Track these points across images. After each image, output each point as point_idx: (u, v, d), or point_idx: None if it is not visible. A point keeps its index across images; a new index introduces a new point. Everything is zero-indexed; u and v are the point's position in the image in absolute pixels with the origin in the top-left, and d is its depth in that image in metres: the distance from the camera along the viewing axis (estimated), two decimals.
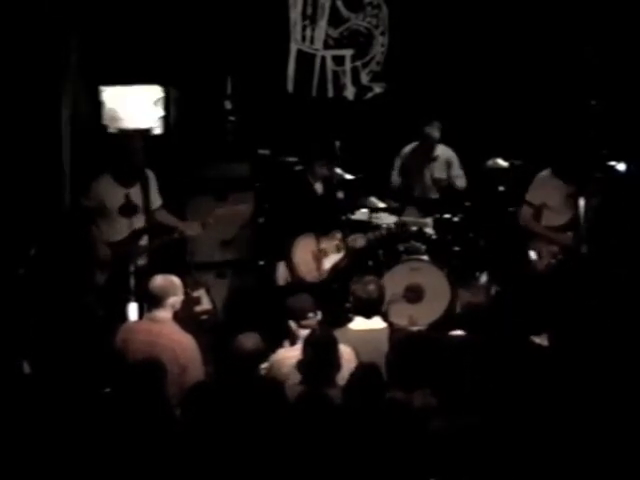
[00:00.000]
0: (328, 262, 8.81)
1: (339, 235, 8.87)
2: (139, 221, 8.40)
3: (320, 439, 5.50)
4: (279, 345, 7.20)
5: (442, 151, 9.98)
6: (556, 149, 8.99)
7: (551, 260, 8.57)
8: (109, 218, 8.39)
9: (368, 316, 7.08)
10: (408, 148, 10.07)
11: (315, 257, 8.80)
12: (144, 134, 8.80)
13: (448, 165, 9.96)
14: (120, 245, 8.35)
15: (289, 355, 6.66)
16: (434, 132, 9.80)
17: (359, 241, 8.91)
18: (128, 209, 8.31)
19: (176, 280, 7.00)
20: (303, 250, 8.81)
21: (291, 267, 8.80)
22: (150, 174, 8.53)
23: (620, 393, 5.89)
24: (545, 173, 8.71)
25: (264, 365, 6.64)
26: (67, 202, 9.06)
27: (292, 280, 8.81)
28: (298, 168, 9.49)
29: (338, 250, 8.88)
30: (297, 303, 7.14)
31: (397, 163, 10.06)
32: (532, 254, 8.67)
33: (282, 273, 8.84)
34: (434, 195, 9.99)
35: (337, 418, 5.66)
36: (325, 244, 8.84)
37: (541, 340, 6.63)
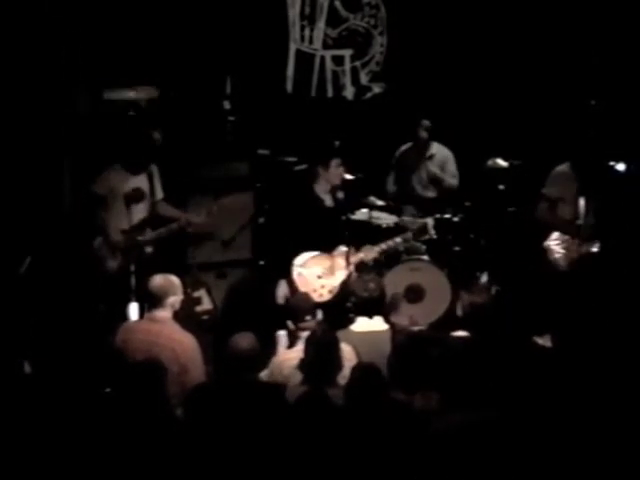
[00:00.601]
0: (336, 280, 8.44)
1: (345, 250, 8.49)
2: (142, 211, 8.49)
3: (321, 439, 5.50)
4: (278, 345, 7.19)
5: (437, 149, 9.96)
6: (567, 147, 8.96)
7: (573, 254, 8.53)
8: (116, 205, 8.47)
9: (369, 315, 7.05)
10: (403, 149, 10.06)
11: (321, 277, 8.42)
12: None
13: (443, 163, 9.94)
14: (128, 232, 8.42)
15: (289, 357, 6.64)
16: (422, 132, 9.78)
17: (370, 254, 8.58)
18: (135, 196, 8.40)
19: (175, 280, 6.99)
20: (308, 271, 8.42)
21: (293, 289, 8.32)
22: (154, 168, 8.64)
23: (623, 395, 5.89)
24: (562, 167, 8.69)
25: (264, 372, 6.61)
26: (67, 201, 9.08)
27: None
28: (299, 168, 9.47)
29: (345, 267, 8.44)
30: (295, 304, 7.10)
31: (393, 168, 10.01)
32: (555, 252, 8.60)
33: (282, 291, 8.42)
34: (432, 194, 9.96)
35: (338, 418, 5.66)
36: (332, 262, 8.46)
37: (544, 341, 6.61)
